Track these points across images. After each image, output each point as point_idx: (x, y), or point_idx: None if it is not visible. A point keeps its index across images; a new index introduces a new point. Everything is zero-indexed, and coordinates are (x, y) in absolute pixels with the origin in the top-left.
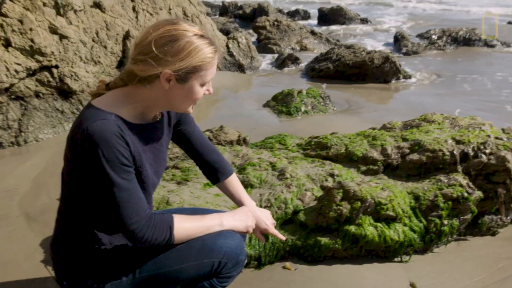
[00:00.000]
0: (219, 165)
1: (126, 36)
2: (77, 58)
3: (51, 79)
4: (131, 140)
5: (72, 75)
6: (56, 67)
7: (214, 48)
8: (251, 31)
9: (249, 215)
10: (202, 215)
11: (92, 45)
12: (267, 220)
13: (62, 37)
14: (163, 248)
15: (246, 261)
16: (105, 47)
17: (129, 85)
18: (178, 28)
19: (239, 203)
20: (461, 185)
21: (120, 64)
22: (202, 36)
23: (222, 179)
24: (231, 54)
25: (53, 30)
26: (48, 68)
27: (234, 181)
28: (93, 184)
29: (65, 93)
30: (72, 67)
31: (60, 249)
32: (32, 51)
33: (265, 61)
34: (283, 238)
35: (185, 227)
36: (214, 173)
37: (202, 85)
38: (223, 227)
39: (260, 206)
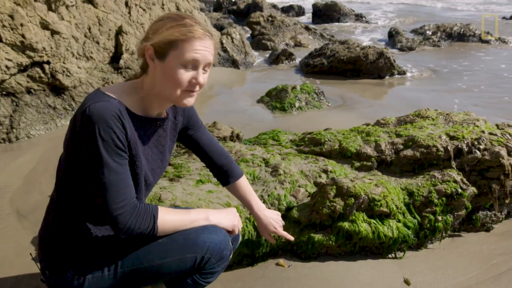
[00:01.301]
0: (228, 168)
1: (119, 31)
2: (69, 53)
3: (42, 75)
4: (129, 126)
5: (64, 71)
6: (48, 63)
7: (193, 28)
8: (245, 27)
9: (236, 216)
10: (188, 209)
11: (84, 40)
12: (276, 222)
13: (53, 32)
14: (146, 241)
15: (231, 256)
16: (98, 42)
17: (138, 78)
18: (172, 13)
19: (248, 205)
20: (455, 181)
21: (113, 60)
22: (186, 18)
23: (231, 182)
24: (225, 50)
25: (45, 26)
26: (39, 64)
27: (243, 184)
28: (85, 164)
29: (57, 89)
30: (64, 62)
31: (46, 238)
32: (23, 47)
33: (259, 57)
34: (292, 238)
35: (169, 218)
36: (224, 176)
37: (184, 65)
38: (209, 221)
39: None
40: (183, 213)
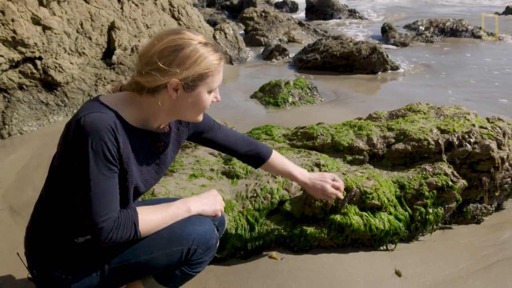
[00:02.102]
0: (253, 153)
1: (111, 27)
2: (61, 49)
3: (34, 70)
4: (123, 140)
5: (56, 67)
6: (40, 58)
7: (219, 55)
8: (238, 22)
9: (217, 199)
10: (168, 204)
11: (77, 36)
12: (323, 181)
13: (45, 28)
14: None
15: (218, 244)
16: (90, 38)
17: (135, 92)
18: (183, 37)
19: (290, 177)
20: (446, 174)
21: (106, 56)
22: (206, 44)
23: (262, 163)
24: (218, 44)
25: (36, 21)
26: (31, 60)
27: (275, 161)
28: (74, 173)
29: (50, 85)
30: (56, 58)
31: (33, 236)
32: (14, 43)
33: (253, 52)
34: (340, 195)
35: (150, 220)
36: (253, 162)
37: (209, 92)
38: (190, 213)
39: (246, 197)
40: (163, 210)
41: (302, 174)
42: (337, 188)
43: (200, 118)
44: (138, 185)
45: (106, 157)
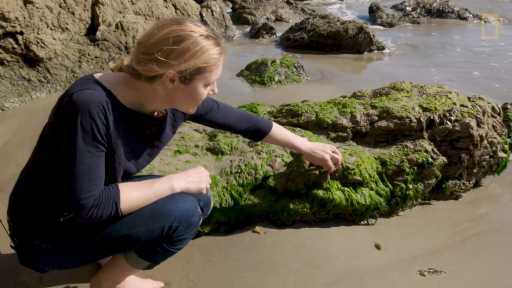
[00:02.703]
0: (253, 128)
1: (95, 2)
2: (43, 24)
3: (16, 46)
4: (114, 120)
5: (38, 42)
6: (21, 33)
7: (220, 49)
8: (226, 0)
9: (203, 176)
10: (152, 181)
11: (59, 11)
12: (323, 151)
13: (26, 2)
14: None
15: (200, 222)
16: (73, 13)
17: (131, 74)
18: (184, 28)
19: (293, 148)
20: (426, 151)
21: (89, 32)
22: (208, 37)
23: (264, 137)
24: (204, 23)
25: None
26: (12, 35)
27: (275, 133)
28: (61, 148)
29: (32, 60)
30: (38, 33)
31: (16, 205)
32: None
33: (240, 30)
34: (336, 167)
35: (133, 197)
36: (254, 136)
37: (206, 85)
38: (174, 191)
39: (231, 172)
40: (147, 187)
41: (304, 144)
42: (336, 160)
43: (193, 110)
44: (128, 166)
45: (94, 135)
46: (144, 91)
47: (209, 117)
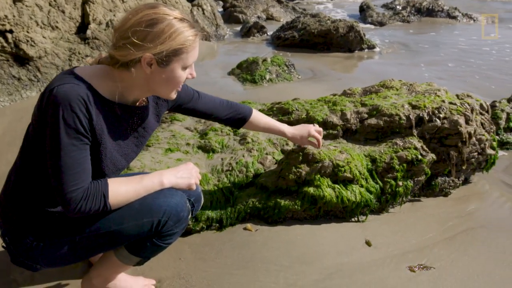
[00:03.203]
0: (233, 115)
1: (85, 0)
2: (33, 22)
3: (5, 44)
4: (96, 112)
5: (28, 41)
6: (11, 31)
7: (195, 31)
8: None
9: (192, 172)
10: (142, 176)
11: (49, 9)
12: (307, 133)
13: (16, 0)
14: None
15: (189, 216)
16: (63, 11)
17: (111, 65)
18: (158, 12)
19: (274, 131)
20: (415, 148)
21: (80, 30)
22: (182, 20)
23: (244, 123)
24: (195, 22)
25: None
26: (1, 33)
27: (257, 118)
28: (45, 143)
29: (21, 59)
30: (27, 32)
31: (5, 203)
32: None
33: (231, 29)
34: (318, 146)
35: (122, 191)
36: (236, 123)
37: (184, 68)
38: (163, 186)
39: (222, 170)
40: (136, 181)
41: (287, 126)
42: (318, 132)
43: (173, 95)
44: (116, 159)
45: (77, 128)
46: (123, 79)
47: (191, 105)
